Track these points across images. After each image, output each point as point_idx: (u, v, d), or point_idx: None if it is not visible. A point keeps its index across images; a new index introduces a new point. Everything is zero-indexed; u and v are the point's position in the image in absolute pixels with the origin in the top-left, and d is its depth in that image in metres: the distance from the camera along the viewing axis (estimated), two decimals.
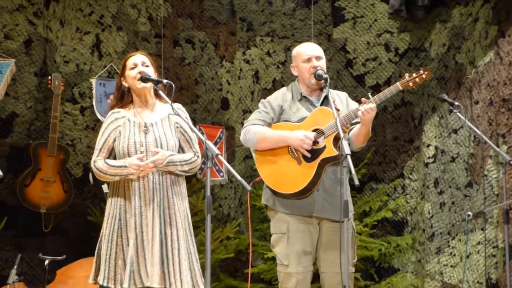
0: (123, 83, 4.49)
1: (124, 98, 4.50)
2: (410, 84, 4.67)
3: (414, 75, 4.69)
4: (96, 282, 4.37)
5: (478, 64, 6.49)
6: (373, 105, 4.52)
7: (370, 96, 4.59)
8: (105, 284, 4.30)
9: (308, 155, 4.58)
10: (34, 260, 6.49)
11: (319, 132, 4.61)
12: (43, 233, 6.54)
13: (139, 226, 4.31)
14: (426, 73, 4.70)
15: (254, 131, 4.68)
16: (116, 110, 4.49)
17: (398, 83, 4.66)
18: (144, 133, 4.40)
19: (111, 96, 6.17)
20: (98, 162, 4.38)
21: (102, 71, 6.91)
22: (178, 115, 4.33)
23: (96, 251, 4.43)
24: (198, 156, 4.52)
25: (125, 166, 4.30)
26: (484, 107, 6.38)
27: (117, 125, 4.42)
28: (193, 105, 7.37)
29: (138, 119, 4.44)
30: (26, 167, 6.49)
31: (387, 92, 4.61)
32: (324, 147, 4.57)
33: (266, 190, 4.75)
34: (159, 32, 7.24)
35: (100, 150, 4.41)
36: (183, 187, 4.52)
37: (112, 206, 4.39)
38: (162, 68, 7.11)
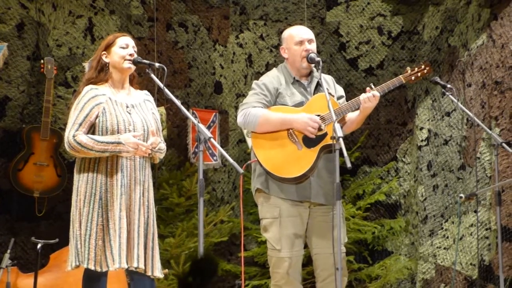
0: (104, 57, 4.45)
1: (101, 73, 4.43)
2: (412, 78, 4.76)
3: (416, 69, 4.79)
4: (76, 267, 4.25)
5: (470, 47, 6.49)
6: (376, 93, 4.58)
7: (372, 87, 4.64)
8: (84, 266, 4.21)
9: (313, 136, 4.57)
10: (27, 245, 6.49)
11: (320, 118, 4.61)
12: (36, 217, 6.52)
13: (127, 205, 4.27)
14: (427, 68, 4.81)
15: (255, 113, 4.61)
16: (93, 86, 4.38)
17: (401, 76, 4.78)
18: (128, 113, 4.38)
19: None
20: (80, 136, 4.24)
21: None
22: (170, 98, 4.27)
23: (71, 233, 4.32)
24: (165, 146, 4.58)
25: (119, 143, 4.24)
26: (476, 89, 6.39)
27: (99, 102, 4.32)
28: (186, 89, 7.36)
29: (119, 98, 4.40)
30: (19, 151, 6.47)
31: (390, 85, 4.71)
32: (326, 133, 4.58)
33: (260, 173, 4.70)
34: (152, 15, 7.21)
35: (80, 124, 4.27)
36: None
37: (89, 184, 4.28)
38: (155, 52, 7.10)
